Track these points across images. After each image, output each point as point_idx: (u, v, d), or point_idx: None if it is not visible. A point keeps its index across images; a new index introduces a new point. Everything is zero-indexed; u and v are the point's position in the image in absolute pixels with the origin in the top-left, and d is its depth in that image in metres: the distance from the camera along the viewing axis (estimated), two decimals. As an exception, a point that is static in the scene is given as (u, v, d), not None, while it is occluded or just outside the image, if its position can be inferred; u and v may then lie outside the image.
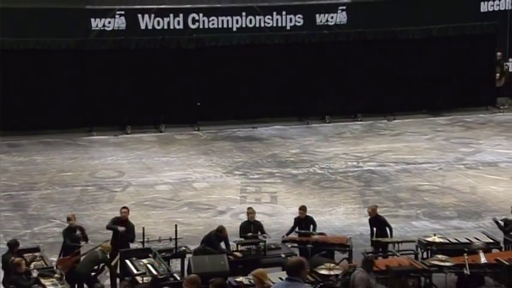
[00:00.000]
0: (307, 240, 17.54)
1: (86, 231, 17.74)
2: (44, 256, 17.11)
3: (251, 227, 17.72)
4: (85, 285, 16.63)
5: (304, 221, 18.00)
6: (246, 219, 17.91)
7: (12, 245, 16.76)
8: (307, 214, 18.06)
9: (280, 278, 14.69)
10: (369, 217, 18.14)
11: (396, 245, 17.34)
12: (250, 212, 17.92)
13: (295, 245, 17.57)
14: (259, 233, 17.68)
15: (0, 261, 16.46)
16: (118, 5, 27.66)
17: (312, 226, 17.99)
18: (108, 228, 17.74)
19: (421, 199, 21.49)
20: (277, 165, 24.19)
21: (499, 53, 29.40)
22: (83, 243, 17.30)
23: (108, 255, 16.68)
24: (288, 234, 18.02)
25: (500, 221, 17.84)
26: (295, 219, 18.07)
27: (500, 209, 19.78)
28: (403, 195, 21.87)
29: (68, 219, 17.61)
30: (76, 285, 16.52)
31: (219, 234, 17.15)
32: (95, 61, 27.04)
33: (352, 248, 17.40)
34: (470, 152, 25.30)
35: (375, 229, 17.87)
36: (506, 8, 29.77)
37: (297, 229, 18.01)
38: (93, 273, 16.66)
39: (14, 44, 26.33)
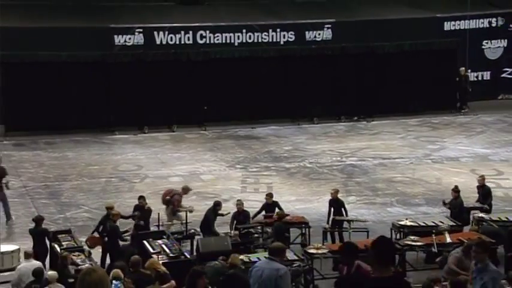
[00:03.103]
0: (271, 221, 17.56)
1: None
2: (75, 237, 17.08)
3: (240, 217, 17.69)
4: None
5: (271, 205, 18.03)
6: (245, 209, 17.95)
7: (38, 220, 16.84)
8: (273, 199, 18.25)
9: (265, 257, 14.71)
10: (330, 198, 18.19)
11: (350, 223, 17.58)
12: (239, 203, 17.91)
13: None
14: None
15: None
16: (137, 24, 27.61)
17: (277, 209, 18.06)
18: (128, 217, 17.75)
19: (395, 189, 21.44)
20: (272, 160, 24.12)
21: (462, 68, 29.17)
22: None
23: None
24: (253, 217, 17.98)
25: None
26: (264, 204, 18.11)
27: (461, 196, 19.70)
28: (380, 186, 21.82)
29: (109, 209, 17.47)
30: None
31: (217, 208, 17.34)
32: (118, 72, 26.99)
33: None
34: (436, 149, 25.24)
35: (332, 209, 17.97)
36: (466, 27, 29.71)
37: (263, 213, 18.02)
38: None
39: (49, 57, 26.26)
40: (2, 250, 16.40)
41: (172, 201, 18.22)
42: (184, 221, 17.45)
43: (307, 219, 18.05)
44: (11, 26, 26.42)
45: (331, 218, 17.92)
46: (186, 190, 18.67)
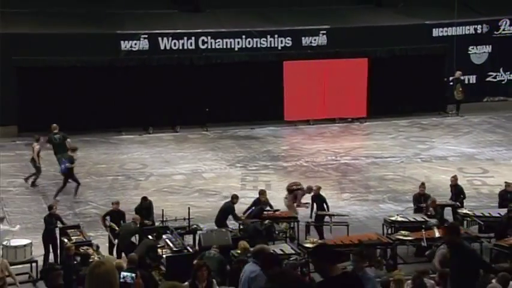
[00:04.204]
0: (264, 217, 17.67)
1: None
2: (83, 232, 17.08)
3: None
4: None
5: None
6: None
7: (50, 207, 17.03)
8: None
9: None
10: (312, 194, 18.30)
11: (332, 217, 17.84)
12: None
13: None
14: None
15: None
16: (142, 30, 27.61)
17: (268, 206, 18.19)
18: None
19: (386, 186, 21.43)
20: (270, 159, 24.11)
21: (459, 72, 29.21)
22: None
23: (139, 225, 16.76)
24: (244, 212, 18.04)
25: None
26: (254, 200, 18.20)
27: (448, 193, 19.73)
28: (372, 183, 21.81)
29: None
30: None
31: (235, 201, 17.52)
32: (124, 75, 26.97)
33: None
34: (425, 148, 25.24)
35: (315, 205, 18.07)
36: (453, 34, 29.74)
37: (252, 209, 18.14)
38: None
39: (59, 62, 26.26)
40: (16, 244, 16.41)
41: (295, 194, 18.55)
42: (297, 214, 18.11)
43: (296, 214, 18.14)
44: (25, 32, 26.56)
45: (313, 213, 18.09)
46: (309, 190, 18.72)
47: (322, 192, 18.60)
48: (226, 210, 17.65)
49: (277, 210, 18.35)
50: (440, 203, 18.55)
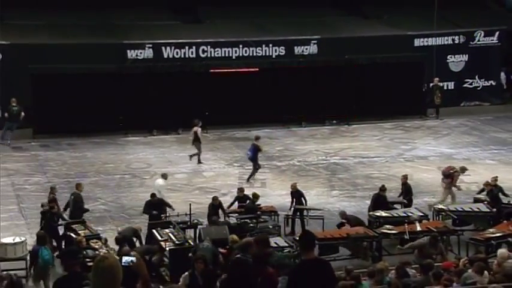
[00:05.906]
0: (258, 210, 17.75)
1: (123, 209, 17.58)
2: (89, 226, 16.99)
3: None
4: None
5: (242, 198, 18.12)
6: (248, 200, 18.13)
7: (51, 207, 17.06)
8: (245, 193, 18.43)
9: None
10: (291, 190, 18.34)
11: (309, 211, 17.87)
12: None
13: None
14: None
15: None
16: (147, 40, 27.52)
17: (248, 201, 18.23)
18: (144, 213, 17.67)
19: (372, 184, 21.31)
20: (266, 159, 23.99)
21: (437, 79, 29.16)
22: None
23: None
24: (228, 207, 18.02)
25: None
26: (236, 197, 18.20)
27: (429, 190, 19.67)
28: (359, 181, 21.72)
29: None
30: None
31: (214, 203, 17.47)
32: (130, 82, 26.87)
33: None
34: (408, 149, 25.17)
35: (294, 199, 18.06)
36: (433, 44, 29.71)
37: (236, 204, 18.18)
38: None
39: (70, 70, 26.15)
40: (16, 241, 16.06)
41: (452, 175, 18.80)
42: (455, 197, 18.48)
43: (276, 209, 18.12)
44: (40, 43, 26.50)
45: (292, 207, 18.07)
46: (463, 170, 19.19)
47: (314, 190, 18.50)
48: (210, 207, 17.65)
49: (259, 205, 18.33)
50: (389, 200, 18.55)
